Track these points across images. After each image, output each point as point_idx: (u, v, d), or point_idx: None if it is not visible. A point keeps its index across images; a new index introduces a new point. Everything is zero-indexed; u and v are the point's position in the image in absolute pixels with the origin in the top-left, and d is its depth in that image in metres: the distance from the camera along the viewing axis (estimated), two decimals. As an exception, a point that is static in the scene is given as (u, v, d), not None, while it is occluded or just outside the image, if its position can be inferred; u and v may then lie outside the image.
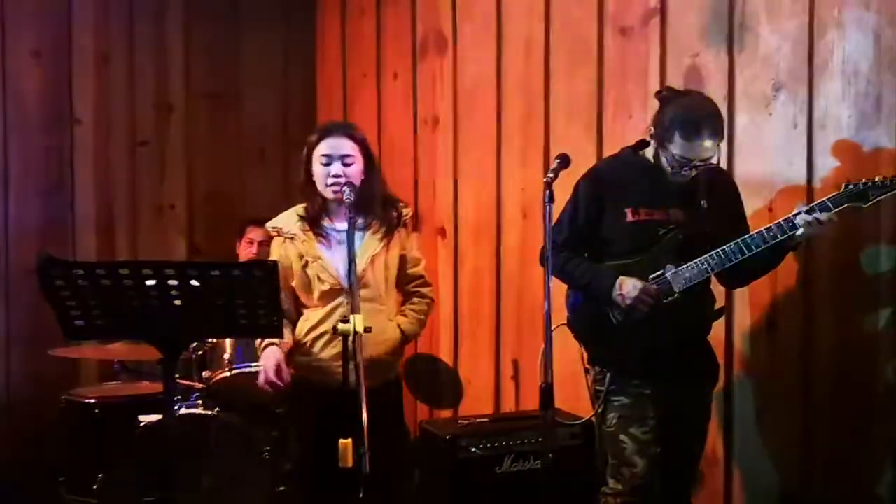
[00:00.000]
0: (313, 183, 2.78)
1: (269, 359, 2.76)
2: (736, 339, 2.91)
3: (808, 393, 2.74)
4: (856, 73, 2.58)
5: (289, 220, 2.84)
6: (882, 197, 2.35)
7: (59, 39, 4.46)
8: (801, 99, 2.71)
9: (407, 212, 2.86)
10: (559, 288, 2.57)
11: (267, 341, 2.78)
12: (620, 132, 3.20)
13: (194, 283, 2.01)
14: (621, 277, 2.51)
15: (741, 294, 2.86)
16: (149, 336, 2.16)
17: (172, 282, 2.00)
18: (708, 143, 2.45)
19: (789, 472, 2.80)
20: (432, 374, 4.09)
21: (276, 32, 4.92)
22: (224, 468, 3.16)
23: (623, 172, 2.62)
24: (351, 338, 2.30)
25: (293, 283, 2.81)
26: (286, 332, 2.80)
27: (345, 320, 2.34)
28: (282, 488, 3.32)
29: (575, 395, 2.95)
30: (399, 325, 2.83)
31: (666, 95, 2.56)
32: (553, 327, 2.37)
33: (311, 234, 2.79)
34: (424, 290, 2.92)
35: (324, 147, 2.74)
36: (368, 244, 2.77)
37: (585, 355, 2.68)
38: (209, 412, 3.33)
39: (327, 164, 2.73)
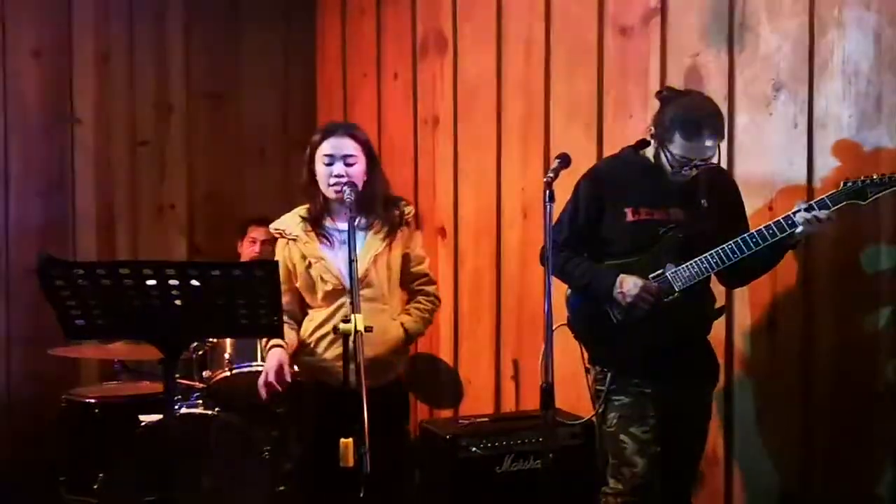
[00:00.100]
0: (316, 183, 2.78)
1: (272, 359, 2.77)
2: (736, 338, 2.91)
3: (808, 392, 2.74)
4: (856, 72, 2.58)
5: (291, 221, 2.84)
6: (881, 194, 2.35)
7: (60, 39, 4.46)
8: (801, 99, 2.71)
9: (409, 210, 2.86)
10: (559, 288, 2.57)
11: (272, 342, 2.78)
12: (621, 132, 3.20)
13: (195, 282, 2.01)
14: (622, 275, 2.52)
15: (741, 293, 2.86)
16: (149, 336, 2.16)
17: (173, 281, 2.00)
18: (708, 143, 2.46)
19: (789, 471, 2.80)
20: (432, 373, 4.09)
21: (276, 32, 4.92)
22: (224, 468, 3.16)
23: (623, 172, 2.62)
24: (352, 337, 2.30)
25: (297, 285, 2.81)
26: (291, 332, 2.82)
27: (346, 320, 2.34)
28: (282, 488, 3.32)
29: (575, 394, 2.95)
30: (402, 325, 2.83)
31: (666, 95, 2.56)
32: (553, 327, 2.37)
33: (313, 234, 2.80)
34: (429, 288, 2.92)
35: (326, 147, 2.75)
36: (371, 244, 2.77)
37: (586, 355, 2.68)
38: (209, 412, 3.34)
39: (329, 164, 2.73)
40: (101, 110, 4.56)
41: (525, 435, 3.08)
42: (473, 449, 3.04)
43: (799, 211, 2.38)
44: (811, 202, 2.40)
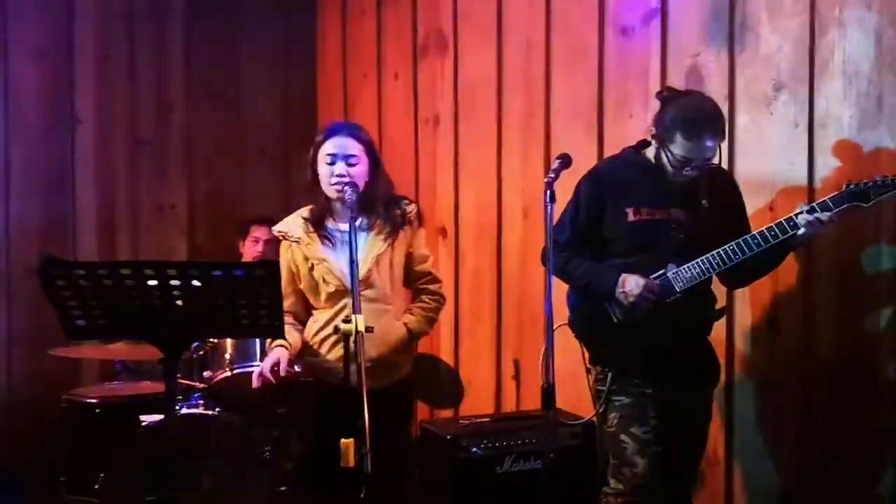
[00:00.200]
0: (319, 183, 2.78)
1: (271, 355, 2.78)
2: (737, 338, 2.91)
3: (808, 393, 2.74)
4: (857, 72, 2.58)
5: (293, 223, 2.85)
6: (883, 197, 2.35)
7: (61, 40, 4.46)
8: (801, 99, 2.71)
9: (411, 209, 2.85)
10: (560, 288, 2.57)
11: (276, 343, 2.79)
12: (621, 132, 3.20)
13: (196, 283, 2.01)
14: (623, 275, 2.52)
15: (742, 294, 2.86)
16: (150, 336, 2.16)
17: (174, 282, 2.00)
18: (709, 144, 2.46)
19: (790, 471, 2.80)
20: (433, 373, 4.09)
21: (276, 32, 4.93)
22: (225, 468, 3.15)
23: (624, 172, 2.62)
24: (353, 337, 2.30)
25: (301, 286, 2.82)
26: (295, 333, 2.82)
27: (346, 320, 2.34)
28: (283, 488, 3.32)
29: (576, 394, 2.95)
30: (406, 324, 2.83)
31: (667, 96, 2.56)
32: (554, 327, 2.37)
33: (315, 236, 2.80)
34: (433, 287, 2.91)
35: (329, 146, 2.75)
36: (373, 244, 2.77)
37: (586, 355, 2.68)
38: (210, 412, 3.34)
39: (332, 164, 2.73)
40: (101, 110, 4.56)
41: (526, 435, 3.08)
42: (474, 449, 3.04)
43: (801, 213, 2.38)
44: (813, 204, 2.40)
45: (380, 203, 2.80)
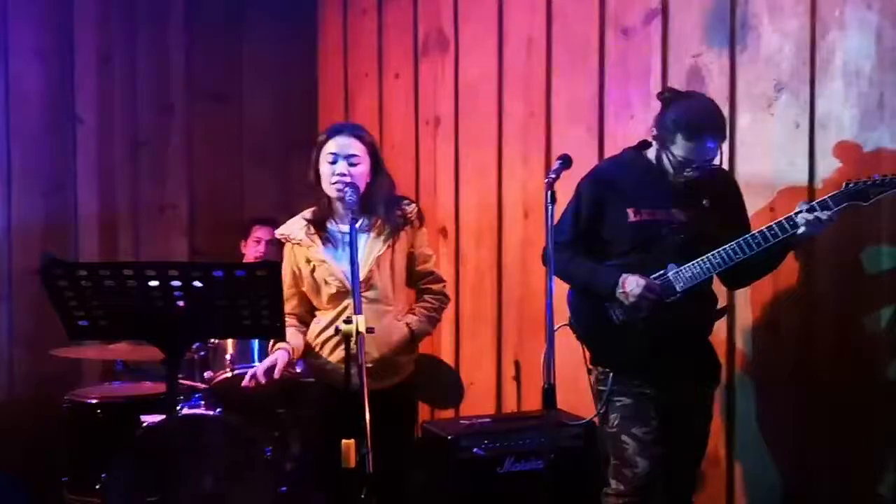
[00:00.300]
0: (321, 183, 2.79)
1: (271, 357, 2.79)
2: (737, 338, 2.92)
3: (809, 393, 2.74)
4: (858, 73, 2.58)
5: (295, 225, 2.85)
6: (882, 196, 2.36)
7: (61, 40, 4.46)
8: (802, 99, 2.71)
9: (412, 208, 2.84)
10: (561, 288, 2.58)
11: (279, 345, 2.79)
12: (622, 132, 3.20)
13: (197, 283, 2.01)
14: (624, 275, 2.52)
15: (743, 293, 2.86)
16: (152, 336, 2.17)
17: (176, 282, 2.01)
18: (710, 145, 2.46)
19: (791, 471, 2.81)
20: (434, 374, 4.09)
21: (277, 32, 4.92)
22: (226, 468, 3.16)
23: (625, 173, 2.63)
24: (354, 338, 2.30)
25: (304, 288, 2.83)
26: (299, 336, 2.82)
27: (347, 321, 2.34)
28: (283, 489, 3.32)
29: (577, 395, 2.95)
30: (408, 324, 2.83)
31: (668, 97, 2.56)
32: (555, 328, 2.38)
33: (316, 237, 2.80)
34: (436, 286, 2.91)
35: (332, 145, 2.75)
36: (373, 245, 2.77)
37: (587, 355, 2.69)
38: (211, 412, 3.34)
39: (333, 163, 2.74)
40: (102, 110, 4.56)
41: (526, 435, 3.08)
42: (475, 450, 3.04)
43: (801, 212, 2.39)
44: (813, 203, 2.40)
45: (380, 204, 2.80)
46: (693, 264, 2.49)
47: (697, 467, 2.73)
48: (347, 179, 2.71)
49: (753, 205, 2.72)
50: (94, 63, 4.54)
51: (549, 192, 2.36)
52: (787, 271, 2.70)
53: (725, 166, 2.81)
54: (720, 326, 2.80)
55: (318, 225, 2.81)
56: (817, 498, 2.74)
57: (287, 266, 2.82)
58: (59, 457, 3.66)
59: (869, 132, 2.56)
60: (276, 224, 3.00)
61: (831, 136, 2.65)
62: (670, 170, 2.52)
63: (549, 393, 2.34)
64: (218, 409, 3.36)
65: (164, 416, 3.19)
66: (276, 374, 2.76)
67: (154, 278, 2.00)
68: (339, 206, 2.79)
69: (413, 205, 2.87)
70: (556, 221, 2.45)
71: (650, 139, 2.60)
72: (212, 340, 3.52)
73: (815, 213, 2.36)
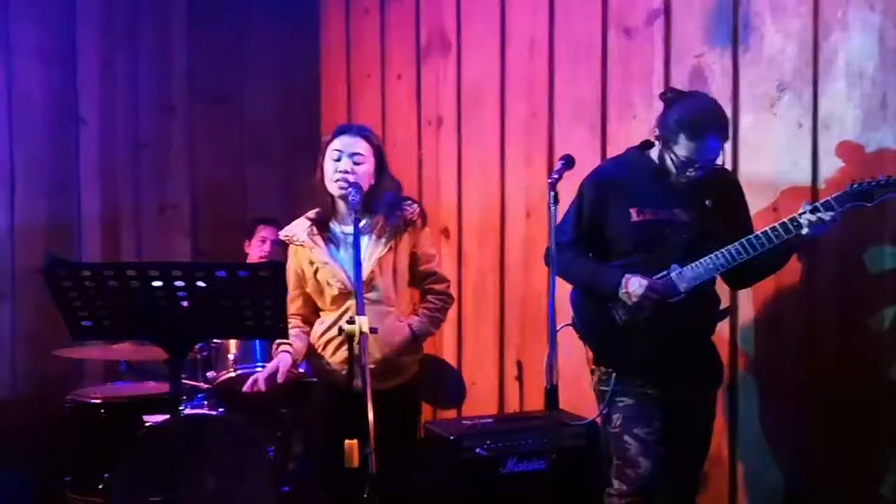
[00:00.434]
0: (325, 181, 2.79)
1: (273, 361, 2.79)
2: (740, 338, 2.91)
3: (812, 393, 2.74)
4: (860, 73, 2.58)
5: (299, 226, 2.86)
6: (886, 197, 2.36)
7: (64, 41, 4.47)
8: (805, 99, 2.71)
9: (414, 209, 2.84)
10: (564, 288, 2.58)
11: (282, 347, 2.79)
12: (625, 133, 3.20)
13: (201, 283, 2.02)
14: (627, 275, 2.52)
15: (745, 293, 2.86)
16: (155, 337, 2.18)
17: (179, 283, 2.01)
18: (713, 145, 2.46)
19: (794, 472, 2.81)
20: (436, 374, 4.09)
21: (279, 32, 4.93)
22: (228, 468, 3.16)
23: (627, 173, 2.63)
24: (357, 339, 2.31)
25: (308, 290, 2.83)
26: (304, 338, 2.83)
27: (350, 321, 2.34)
28: (286, 489, 3.32)
29: (579, 395, 2.95)
30: (409, 325, 2.83)
31: (670, 97, 2.56)
32: (558, 328, 2.38)
33: (318, 238, 2.80)
34: (439, 286, 2.90)
35: (337, 143, 2.76)
36: (374, 246, 2.77)
37: (590, 355, 2.69)
38: (214, 412, 3.34)
39: (337, 160, 2.74)
40: (104, 111, 4.57)
41: (529, 436, 3.08)
42: (477, 450, 3.04)
43: (805, 213, 2.38)
44: (817, 203, 2.40)
45: (383, 205, 2.80)
46: (696, 264, 2.49)
47: (700, 467, 2.73)
48: (351, 178, 2.71)
49: (756, 205, 2.72)
50: (97, 64, 4.55)
51: (551, 193, 2.36)
52: (790, 271, 2.70)
53: (728, 166, 2.81)
54: (723, 327, 2.80)
55: (322, 225, 2.81)
56: (819, 498, 2.74)
57: (291, 267, 2.83)
58: (62, 456, 3.66)
59: (872, 132, 2.56)
60: (280, 224, 3.01)
61: (834, 137, 2.64)
62: (673, 170, 2.52)
63: (551, 393, 2.34)
64: (221, 410, 3.36)
65: (167, 416, 3.20)
66: (280, 379, 2.76)
67: (157, 278, 2.00)
68: (342, 206, 2.79)
69: (415, 205, 2.86)
70: (558, 222, 2.46)
71: (653, 139, 2.60)
72: (215, 341, 3.53)
73: (819, 214, 2.36)
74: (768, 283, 2.73)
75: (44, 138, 4.43)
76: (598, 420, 2.70)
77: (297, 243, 2.83)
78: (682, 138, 2.46)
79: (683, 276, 2.50)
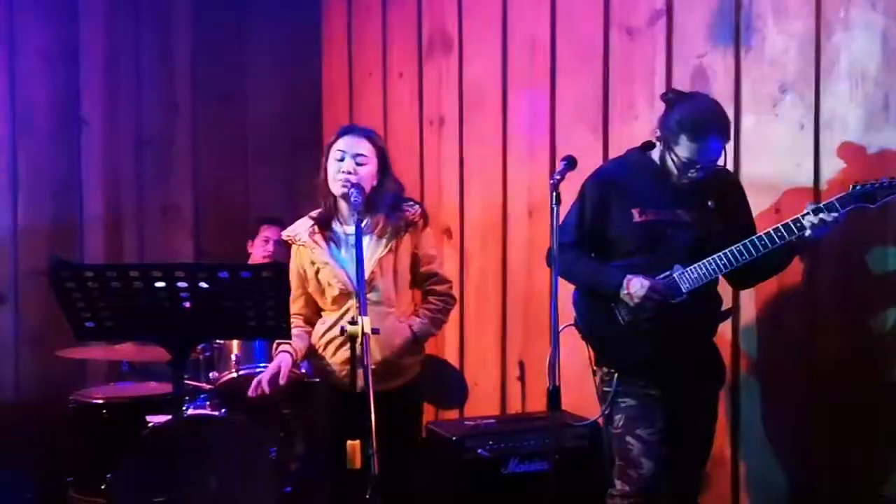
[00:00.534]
0: (328, 180, 2.79)
1: (273, 363, 2.80)
2: (742, 339, 2.91)
3: (814, 393, 2.74)
4: (863, 74, 2.58)
5: (301, 226, 2.86)
6: (889, 198, 2.35)
7: (67, 41, 4.48)
8: (807, 100, 2.71)
9: (415, 210, 2.84)
10: (566, 289, 2.58)
11: (282, 347, 2.80)
12: (627, 133, 3.20)
13: (203, 284, 2.02)
14: (628, 276, 2.52)
15: (747, 294, 2.86)
16: (158, 337, 2.18)
17: (182, 283, 2.01)
18: (714, 146, 2.46)
19: (796, 472, 2.80)
20: (438, 374, 4.10)
21: (281, 32, 4.93)
22: (231, 469, 3.16)
23: (629, 173, 2.63)
24: (359, 339, 2.31)
25: (309, 290, 2.84)
26: (305, 338, 2.84)
27: (352, 322, 2.34)
28: (289, 489, 3.33)
29: (581, 396, 2.95)
30: (410, 326, 2.83)
31: (672, 98, 2.56)
32: (560, 328, 2.38)
33: (320, 238, 2.81)
34: (440, 287, 2.90)
35: (341, 143, 2.76)
36: (375, 247, 2.77)
37: (593, 356, 2.69)
38: (216, 413, 3.35)
39: (340, 160, 2.74)
40: (108, 111, 4.57)
41: (531, 436, 3.09)
42: (479, 450, 3.04)
43: (807, 214, 2.38)
44: (819, 204, 2.40)
45: (384, 206, 2.80)
46: (699, 265, 2.49)
47: (702, 468, 2.73)
48: (353, 178, 2.71)
49: (758, 206, 2.72)
50: (100, 64, 4.55)
51: (553, 193, 2.36)
52: (792, 272, 2.70)
53: (730, 167, 2.81)
54: (725, 327, 2.80)
55: (324, 225, 2.82)
56: (821, 498, 2.74)
57: (294, 267, 2.84)
58: (64, 457, 3.67)
59: (874, 133, 2.56)
60: (283, 224, 3.01)
61: (836, 137, 2.64)
62: (674, 171, 2.52)
63: (553, 394, 2.34)
64: (223, 410, 3.37)
65: (169, 417, 3.21)
66: (282, 381, 2.77)
67: (160, 279, 2.01)
68: (344, 206, 2.80)
69: (416, 206, 2.86)
70: (560, 222, 2.46)
71: (654, 140, 2.60)
72: (217, 341, 3.53)
73: (821, 216, 2.36)
74: (770, 283, 2.73)
75: (47, 138, 4.44)
76: (601, 421, 2.70)
77: (298, 243, 2.84)
78: (683, 139, 2.46)
79: (686, 276, 2.50)
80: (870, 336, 2.60)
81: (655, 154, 2.60)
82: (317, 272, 2.80)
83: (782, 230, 2.41)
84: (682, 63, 3.07)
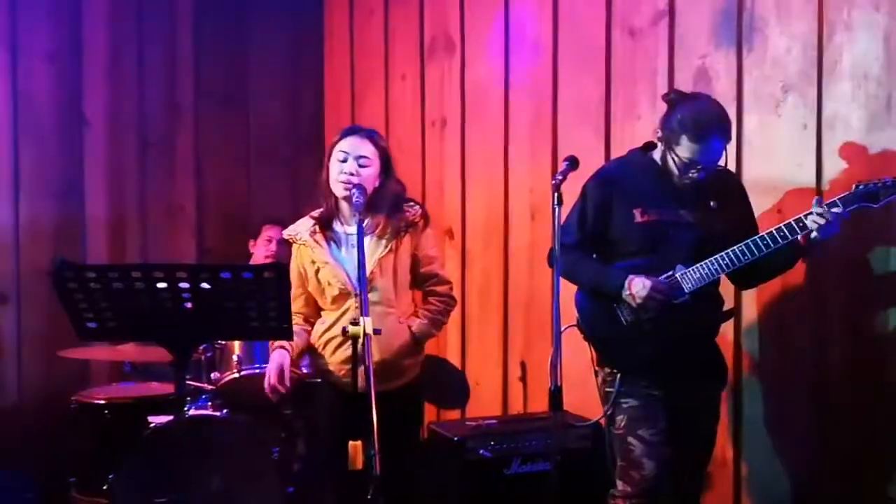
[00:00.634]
0: (330, 181, 2.79)
1: (273, 363, 2.80)
2: (744, 339, 2.91)
3: (816, 393, 2.73)
4: (865, 74, 2.58)
5: (302, 225, 2.87)
6: (892, 198, 2.35)
7: (70, 42, 4.48)
8: (810, 100, 2.71)
9: (416, 211, 2.84)
10: (568, 289, 2.58)
11: (277, 343, 2.80)
12: (629, 134, 3.20)
13: (205, 285, 2.02)
14: (630, 276, 2.52)
15: (749, 294, 2.86)
16: (160, 338, 2.18)
17: (184, 284, 2.01)
18: (715, 146, 2.47)
19: (798, 473, 2.80)
20: (440, 375, 4.10)
21: (284, 33, 4.94)
22: (233, 469, 3.17)
23: (631, 174, 2.63)
24: (361, 340, 2.31)
25: (309, 289, 2.84)
26: (304, 335, 2.84)
27: (354, 322, 2.34)
28: (291, 489, 3.33)
29: (584, 396, 2.95)
30: (410, 327, 2.83)
31: (673, 98, 2.56)
32: (562, 329, 2.38)
33: (320, 237, 2.81)
34: (440, 288, 2.90)
35: (344, 144, 2.77)
36: (375, 247, 2.77)
37: (595, 356, 2.68)
38: (218, 413, 3.35)
39: (343, 161, 2.75)
40: (111, 112, 4.58)
41: (533, 437, 3.08)
42: (481, 451, 3.04)
43: (810, 213, 2.38)
44: (823, 204, 2.39)
45: (386, 207, 2.80)
46: (701, 265, 2.49)
47: (705, 468, 2.73)
48: (355, 180, 2.71)
49: (761, 206, 2.71)
50: (103, 64, 4.55)
51: (556, 194, 2.36)
52: (794, 272, 2.69)
53: (733, 167, 2.81)
54: (727, 328, 2.80)
55: (325, 225, 2.82)
56: (824, 499, 2.73)
57: (294, 266, 2.84)
58: (66, 457, 3.67)
59: (877, 133, 2.56)
60: (286, 224, 3.01)
61: (838, 138, 2.64)
62: (675, 171, 2.52)
63: (555, 394, 2.34)
64: (225, 410, 3.37)
65: (171, 417, 3.21)
66: (287, 381, 2.77)
67: (162, 280, 2.01)
68: (345, 206, 2.80)
69: (417, 207, 2.87)
70: (562, 223, 2.46)
71: (656, 140, 2.60)
72: (219, 342, 3.54)
73: (824, 214, 2.35)
74: (772, 283, 2.73)
75: (50, 139, 4.44)
76: (603, 421, 2.69)
77: (299, 242, 2.84)
78: (684, 140, 2.46)
79: (688, 277, 2.50)
80: (872, 336, 2.60)
81: (657, 154, 2.60)
82: (317, 271, 2.80)
83: (784, 230, 2.40)
84: (684, 64, 3.06)
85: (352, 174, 2.72)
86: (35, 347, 4.31)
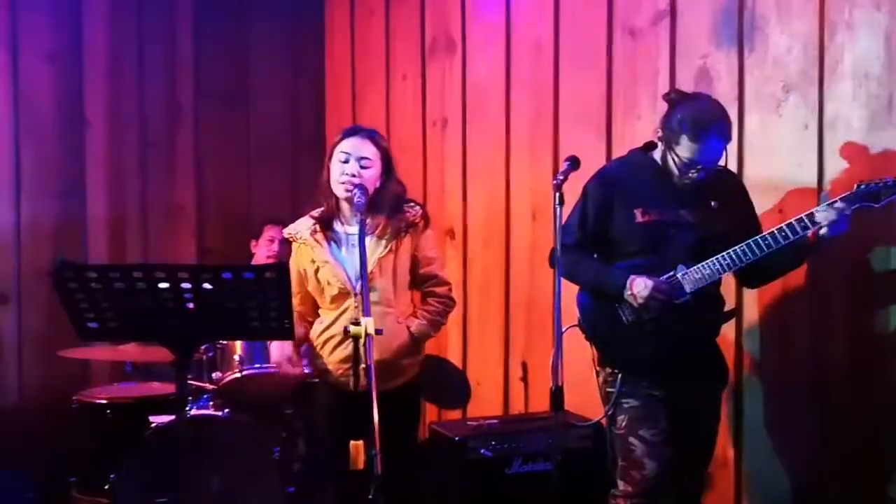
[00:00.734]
0: (331, 181, 2.80)
1: (278, 353, 2.82)
2: (745, 339, 2.91)
3: (817, 394, 2.73)
4: (866, 74, 2.58)
5: (302, 225, 2.87)
6: (893, 197, 2.35)
7: (71, 43, 4.48)
8: (811, 100, 2.71)
9: (416, 211, 2.84)
10: (570, 289, 2.58)
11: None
12: (630, 134, 3.20)
13: (207, 285, 2.02)
14: (632, 276, 2.52)
15: (751, 294, 2.86)
16: (161, 338, 2.18)
17: (185, 284, 2.02)
18: (715, 146, 2.47)
19: (799, 473, 2.80)
20: (441, 375, 4.10)
21: (285, 33, 4.94)
22: (234, 469, 3.17)
23: (632, 174, 2.63)
24: (362, 340, 2.31)
25: (309, 288, 2.84)
26: (302, 329, 2.85)
27: (356, 322, 2.34)
28: (292, 489, 3.33)
29: (585, 396, 2.95)
30: (408, 328, 2.83)
31: (674, 98, 2.56)
32: (563, 329, 2.38)
33: (321, 237, 2.81)
34: (440, 289, 2.90)
35: (345, 145, 2.77)
36: (375, 247, 2.77)
37: (596, 356, 2.68)
38: (219, 413, 3.35)
39: (344, 162, 2.75)
40: (112, 112, 4.58)
41: (534, 437, 3.09)
42: (482, 451, 3.04)
43: (812, 213, 2.38)
44: (826, 203, 2.39)
45: (386, 207, 2.80)
46: (703, 265, 2.49)
47: (706, 468, 2.73)
48: (357, 181, 2.71)
49: (762, 206, 2.71)
50: (103, 65, 4.55)
51: (557, 194, 2.36)
52: (796, 272, 2.69)
53: (734, 167, 2.81)
54: (728, 328, 2.79)
55: (325, 224, 2.82)
56: (825, 499, 2.73)
57: (294, 265, 2.84)
58: (67, 457, 3.67)
59: (878, 133, 2.56)
60: (287, 224, 3.01)
61: (840, 138, 2.64)
62: (675, 171, 2.52)
63: (556, 394, 2.34)
64: (226, 410, 3.37)
65: (172, 417, 3.21)
66: (295, 361, 2.81)
67: (164, 280, 2.01)
68: (346, 207, 2.80)
69: (417, 207, 2.86)
70: (563, 223, 2.46)
71: (656, 140, 2.60)
72: (220, 342, 3.54)
73: (826, 213, 2.35)
74: (774, 284, 2.73)
75: (51, 139, 4.44)
76: (604, 421, 2.69)
77: (299, 241, 2.84)
78: (684, 139, 2.46)
79: (689, 277, 2.50)
80: (873, 335, 2.60)
81: (657, 154, 2.60)
82: (316, 271, 2.80)
83: (786, 230, 2.40)
84: (685, 63, 3.06)
85: (353, 175, 2.72)
86: (36, 347, 4.31)
